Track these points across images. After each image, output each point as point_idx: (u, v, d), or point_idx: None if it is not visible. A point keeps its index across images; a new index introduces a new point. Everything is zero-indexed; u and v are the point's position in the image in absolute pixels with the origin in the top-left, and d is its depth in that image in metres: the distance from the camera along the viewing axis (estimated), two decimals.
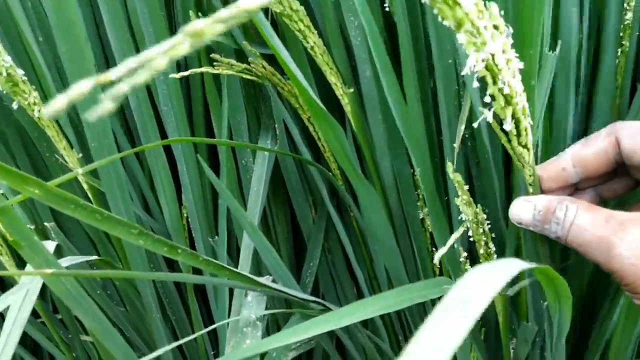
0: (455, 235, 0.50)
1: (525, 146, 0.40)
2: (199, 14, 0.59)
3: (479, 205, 0.48)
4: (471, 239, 0.50)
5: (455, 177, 0.46)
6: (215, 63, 0.54)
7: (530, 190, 0.43)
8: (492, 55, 0.33)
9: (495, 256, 0.51)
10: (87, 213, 0.42)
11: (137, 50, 0.59)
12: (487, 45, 0.32)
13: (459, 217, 0.49)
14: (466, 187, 0.46)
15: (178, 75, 0.53)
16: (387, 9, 0.58)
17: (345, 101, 0.59)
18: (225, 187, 0.58)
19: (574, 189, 0.44)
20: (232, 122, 0.63)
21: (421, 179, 0.52)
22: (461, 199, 0.47)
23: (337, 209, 0.66)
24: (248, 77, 0.55)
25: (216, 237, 0.66)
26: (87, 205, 0.42)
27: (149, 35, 0.54)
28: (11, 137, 0.61)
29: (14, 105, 0.54)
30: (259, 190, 0.63)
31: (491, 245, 0.50)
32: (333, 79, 0.58)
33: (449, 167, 0.47)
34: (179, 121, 0.59)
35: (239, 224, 0.66)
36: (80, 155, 0.59)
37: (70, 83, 0.48)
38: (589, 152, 0.42)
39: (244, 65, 0.55)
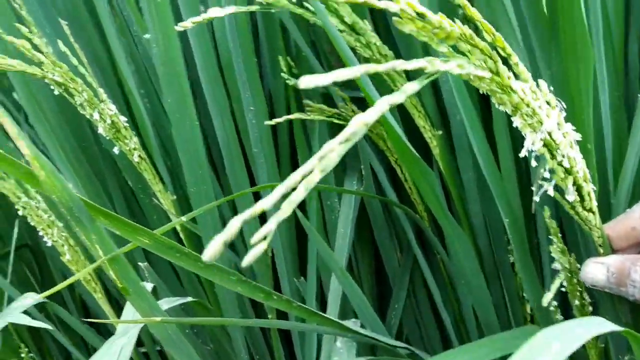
0: (554, 288, 0.48)
1: (590, 210, 0.39)
2: (288, 59, 0.60)
3: (572, 254, 0.46)
4: (563, 289, 0.48)
5: (550, 224, 0.45)
6: (307, 109, 0.55)
7: (601, 250, 0.42)
8: (549, 133, 0.33)
9: (590, 308, 0.49)
10: (191, 261, 0.43)
11: (228, 95, 0.61)
12: (543, 124, 0.33)
13: (552, 266, 0.48)
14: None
15: (273, 122, 0.55)
16: None
17: (433, 144, 0.59)
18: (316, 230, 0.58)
19: None
20: None
21: (509, 228, 0.51)
22: (555, 247, 0.46)
23: (422, 251, 0.65)
24: (338, 122, 0.56)
25: (302, 278, 0.67)
26: (191, 254, 0.43)
27: (242, 84, 0.56)
28: (109, 179, 0.63)
29: (115, 150, 0.57)
30: (345, 232, 0.63)
31: (586, 296, 0.48)
32: (421, 122, 0.58)
33: (546, 213, 0.46)
34: (269, 163, 0.60)
35: (323, 265, 0.66)
36: (174, 197, 0.61)
37: (175, 130, 0.50)
38: None
39: (335, 110, 0.55)
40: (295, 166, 0.66)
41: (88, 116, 0.54)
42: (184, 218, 0.45)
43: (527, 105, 0.32)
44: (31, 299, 0.61)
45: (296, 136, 0.61)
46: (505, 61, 0.31)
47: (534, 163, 0.36)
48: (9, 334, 0.91)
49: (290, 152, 0.66)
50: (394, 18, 0.26)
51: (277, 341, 0.69)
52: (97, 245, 0.40)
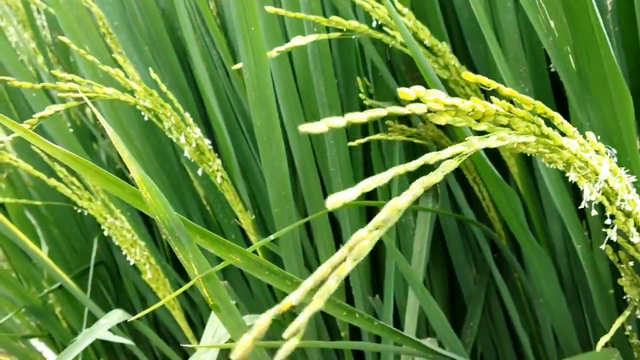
0: (621, 319, 0.47)
1: None
2: (365, 79, 0.61)
3: None
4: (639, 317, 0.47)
5: (614, 258, 0.44)
6: (389, 129, 0.56)
7: None
8: (606, 181, 0.33)
9: None
10: (279, 279, 0.44)
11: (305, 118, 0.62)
12: (600, 174, 0.33)
13: (624, 298, 0.47)
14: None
15: (356, 143, 0.56)
16: (552, 69, 0.58)
17: (511, 162, 0.59)
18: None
19: None
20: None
21: (581, 255, 0.51)
22: (625, 279, 0.45)
23: (498, 269, 0.65)
24: (418, 141, 0.56)
25: (376, 296, 0.67)
26: (280, 272, 0.44)
27: (322, 105, 0.57)
28: (189, 200, 0.65)
29: (199, 172, 0.59)
30: (422, 249, 0.63)
31: None
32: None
33: (609, 250, 0.45)
34: (346, 183, 0.61)
35: (396, 284, 0.66)
36: (253, 217, 0.62)
37: (262, 152, 0.51)
38: None
39: (414, 130, 0.56)
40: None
41: (175, 140, 0.56)
42: (272, 237, 0.46)
43: (580, 159, 0.32)
44: (117, 316, 0.63)
45: (373, 157, 0.62)
46: (548, 122, 0.31)
47: (594, 212, 0.36)
48: (85, 348, 0.95)
49: (364, 172, 0.66)
50: (428, 114, 0.26)
51: (350, 357, 0.69)
52: (193, 264, 0.41)
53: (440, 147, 0.58)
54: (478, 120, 0.28)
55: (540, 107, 0.29)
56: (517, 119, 0.28)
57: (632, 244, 0.38)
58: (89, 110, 0.84)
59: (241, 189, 0.62)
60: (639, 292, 0.45)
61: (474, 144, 0.27)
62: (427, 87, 0.44)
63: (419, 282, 0.57)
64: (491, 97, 0.29)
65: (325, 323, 0.72)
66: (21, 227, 0.76)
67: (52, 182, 0.67)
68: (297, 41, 0.49)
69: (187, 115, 0.55)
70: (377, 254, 0.69)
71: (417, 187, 0.25)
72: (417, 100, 0.25)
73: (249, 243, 0.66)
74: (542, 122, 0.29)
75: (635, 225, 0.36)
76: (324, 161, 0.63)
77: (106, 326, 0.61)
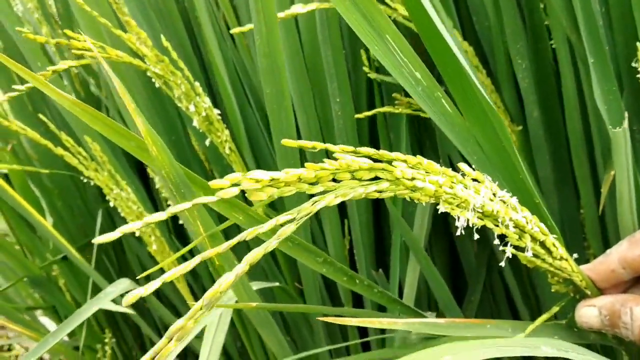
0: (545, 316, 0.47)
1: (562, 258, 0.39)
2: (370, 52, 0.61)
3: None
4: None
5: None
6: (396, 102, 0.56)
7: (589, 292, 0.41)
8: (482, 206, 0.33)
9: None
10: (282, 241, 0.44)
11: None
12: (471, 203, 0.33)
13: None
14: None
15: (363, 115, 0.56)
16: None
17: (513, 139, 0.59)
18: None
19: (637, 278, 0.41)
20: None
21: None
22: (551, 279, 0.46)
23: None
24: (424, 115, 0.56)
25: (380, 270, 0.68)
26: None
27: (330, 76, 0.57)
28: (196, 173, 0.66)
29: (207, 143, 0.59)
30: (422, 222, 0.63)
31: None
32: (501, 117, 0.59)
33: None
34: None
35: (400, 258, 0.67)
36: None
37: (271, 120, 0.52)
38: (635, 254, 0.39)
39: None
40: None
41: (184, 109, 0.56)
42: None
43: (446, 193, 0.32)
44: (123, 285, 0.64)
45: (379, 130, 0.62)
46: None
47: (476, 236, 0.37)
48: (88, 319, 0.95)
49: (370, 145, 0.67)
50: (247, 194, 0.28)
51: (354, 329, 0.70)
52: (199, 222, 0.41)
53: None
54: (315, 184, 0.29)
55: (385, 155, 0.31)
56: (362, 171, 0.30)
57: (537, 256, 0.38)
58: (94, 82, 0.84)
59: (249, 161, 0.62)
60: (567, 289, 0.45)
61: (307, 209, 0.29)
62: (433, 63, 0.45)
63: (421, 248, 0.58)
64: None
65: (328, 295, 0.72)
66: (25, 199, 0.76)
67: (59, 151, 0.67)
68: (297, 9, 0.49)
69: (197, 84, 0.56)
70: (381, 230, 0.70)
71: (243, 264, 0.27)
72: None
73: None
74: (394, 168, 0.31)
75: (534, 240, 0.37)
76: (330, 133, 0.63)
77: (111, 295, 0.62)
